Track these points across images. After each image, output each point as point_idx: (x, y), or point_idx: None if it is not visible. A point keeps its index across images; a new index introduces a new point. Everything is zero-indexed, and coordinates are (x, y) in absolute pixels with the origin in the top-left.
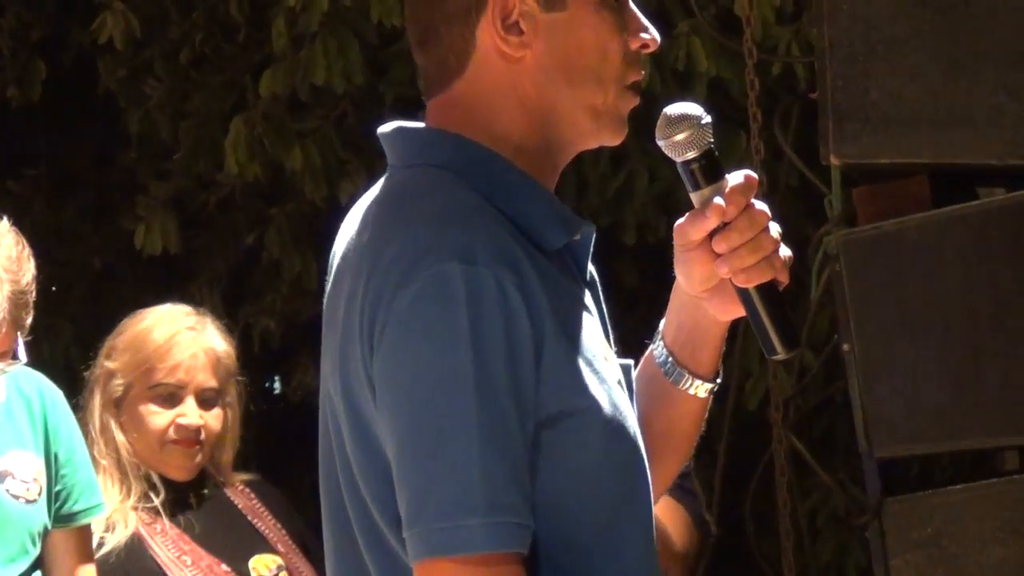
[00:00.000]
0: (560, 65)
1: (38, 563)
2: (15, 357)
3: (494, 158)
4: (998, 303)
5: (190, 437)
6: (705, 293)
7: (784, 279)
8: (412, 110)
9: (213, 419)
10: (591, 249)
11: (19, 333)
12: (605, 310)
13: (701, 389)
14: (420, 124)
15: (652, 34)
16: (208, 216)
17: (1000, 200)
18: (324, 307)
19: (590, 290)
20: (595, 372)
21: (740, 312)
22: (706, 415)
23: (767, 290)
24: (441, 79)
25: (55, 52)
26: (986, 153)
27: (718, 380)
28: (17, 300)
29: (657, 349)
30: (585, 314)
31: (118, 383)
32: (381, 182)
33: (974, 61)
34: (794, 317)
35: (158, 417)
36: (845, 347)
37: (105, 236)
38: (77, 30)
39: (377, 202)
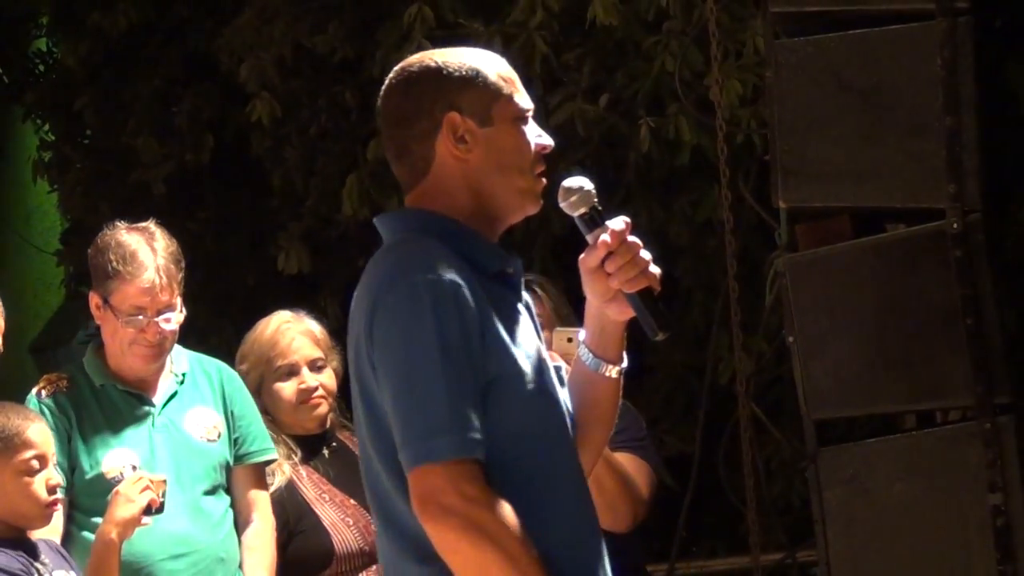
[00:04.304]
0: (493, 162)
1: (221, 489)
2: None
3: (450, 221)
4: (899, 307)
5: (312, 395)
6: (605, 303)
7: (656, 286)
8: None
9: (327, 378)
10: (522, 279)
11: (177, 287)
12: (538, 327)
13: (613, 371)
14: (402, 210)
15: (547, 140)
16: (331, 246)
17: (901, 233)
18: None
19: (526, 309)
20: (525, 353)
21: (631, 314)
22: (620, 392)
23: (645, 294)
24: (413, 180)
25: (220, 128)
26: (891, 199)
27: (623, 365)
28: (175, 258)
29: (581, 349)
30: (520, 318)
31: (252, 378)
32: (376, 253)
33: (882, 133)
34: (752, 317)
35: (286, 389)
36: (790, 339)
37: (256, 260)
38: (235, 112)
39: (375, 260)
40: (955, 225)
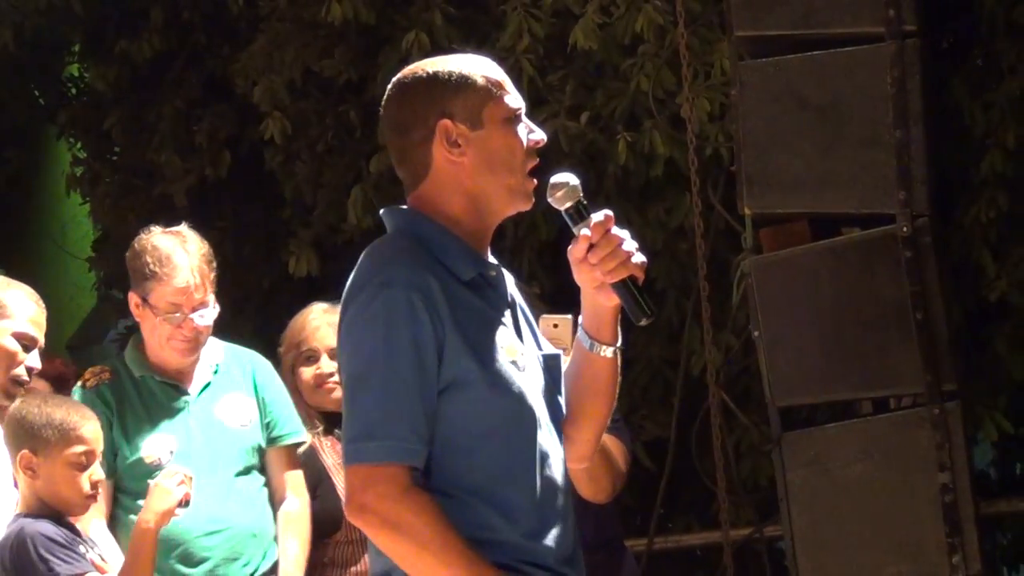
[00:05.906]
0: (485, 162)
1: (255, 469)
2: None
3: (432, 224)
4: (855, 303)
5: (326, 381)
6: (595, 290)
7: (639, 275)
8: None
9: None
10: (506, 282)
11: (210, 285)
12: (531, 321)
13: (608, 351)
14: (402, 206)
15: (540, 135)
16: (337, 251)
17: (856, 236)
18: None
19: (511, 309)
20: (492, 355)
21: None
22: (619, 370)
23: (628, 282)
24: (414, 182)
25: (236, 145)
26: (847, 205)
27: (618, 345)
28: (207, 259)
29: (580, 333)
30: (493, 322)
31: (287, 359)
32: (369, 246)
33: (838, 145)
34: (722, 314)
35: (306, 372)
36: (755, 333)
37: (270, 265)
38: (250, 130)
39: (365, 252)
40: (905, 229)
